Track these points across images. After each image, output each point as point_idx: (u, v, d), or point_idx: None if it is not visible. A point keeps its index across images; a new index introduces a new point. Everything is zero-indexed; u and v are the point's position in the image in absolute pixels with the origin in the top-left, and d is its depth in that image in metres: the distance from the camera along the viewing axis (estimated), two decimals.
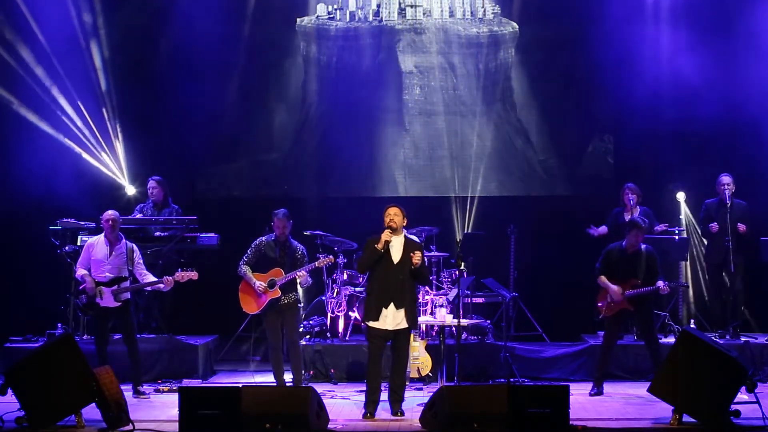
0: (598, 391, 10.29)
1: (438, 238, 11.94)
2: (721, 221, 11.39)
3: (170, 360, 11.21)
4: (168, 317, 11.72)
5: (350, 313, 11.48)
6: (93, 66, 12.99)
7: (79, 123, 12.88)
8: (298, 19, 13.46)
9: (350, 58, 13.49)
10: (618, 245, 10.44)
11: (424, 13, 13.40)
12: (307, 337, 11.36)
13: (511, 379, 10.61)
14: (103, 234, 10.31)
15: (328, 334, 11.54)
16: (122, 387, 8.94)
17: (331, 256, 10.57)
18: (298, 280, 10.11)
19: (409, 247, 9.28)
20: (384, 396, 9.33)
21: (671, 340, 10.81)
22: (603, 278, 10.35)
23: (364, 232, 9.73)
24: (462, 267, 10.57)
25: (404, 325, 9.25)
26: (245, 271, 10.07)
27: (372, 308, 9.26)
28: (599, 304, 10.41)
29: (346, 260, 11.71)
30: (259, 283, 10.00)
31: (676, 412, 8.70)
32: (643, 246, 10.32)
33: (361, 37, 13.45)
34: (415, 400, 9.75)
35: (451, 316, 10.40)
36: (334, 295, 11.52)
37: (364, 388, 9.40)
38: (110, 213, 10.29)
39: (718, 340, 10.69)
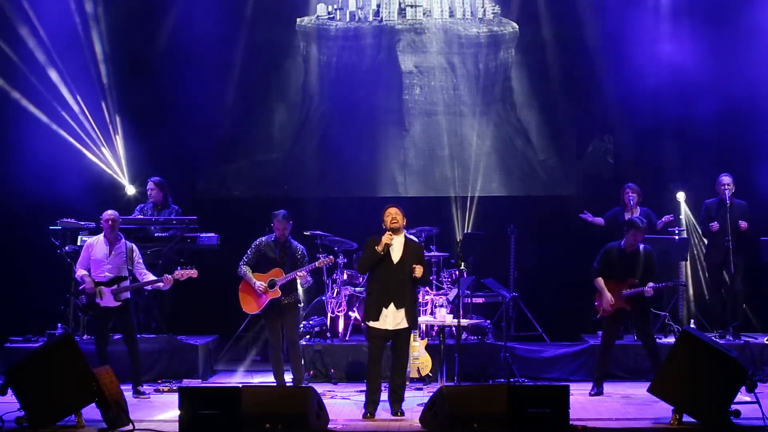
0: (598, 391, 10.29)
1: (438, 238, 11.94)
2: (721, 221, 11.39)
3: (170, 360, 11.20)
4: (168, 317, 11.71)
5: (350, 313, 11.47)
6: (95, 62, 12.97)
7: (80, 120, 12.86)
8: (298, 19, 13.46)
9: (350, 58, 13.49)
10: (617, 245, 10.43)
11: (424, 13, 13.39)
12: (307, 337, 11.35)
13: (511, 379, 10.61)
14: (102, 234, 10.31)
15: (328, 334, 11.54)
16: (122, 387, 8.93)
17: (331, 256, 10.56)
18: (299, 281, 10.10)
19: (409, 247, 9.28)
20: (384, 396, 9.32)
21: (671, 340, 10.81)
22: (600, 281, 10.33)
23: (364, 232, 9.72)
24: (462, 267, 10.57)
25: (404, 325, 9.25)
26: (245, 271, 10.07)
27: (372, 308, 9.26)
28: (596, 303, 10.41)
29: (346, 260, 11.70)
30: (260, 284, 9.99)
31: (676, 412, 8.69)
32: (641, 246, 10.32)
33: (361, 37, 13.44)
34: (415, 400, 9.74)
35: (451, 316, 10.39)
36: (334, 295, 11.52)
37: (364, 388, 9.40)
38: (110, 213, 10.29)
39: (718, 340, 10.70)
